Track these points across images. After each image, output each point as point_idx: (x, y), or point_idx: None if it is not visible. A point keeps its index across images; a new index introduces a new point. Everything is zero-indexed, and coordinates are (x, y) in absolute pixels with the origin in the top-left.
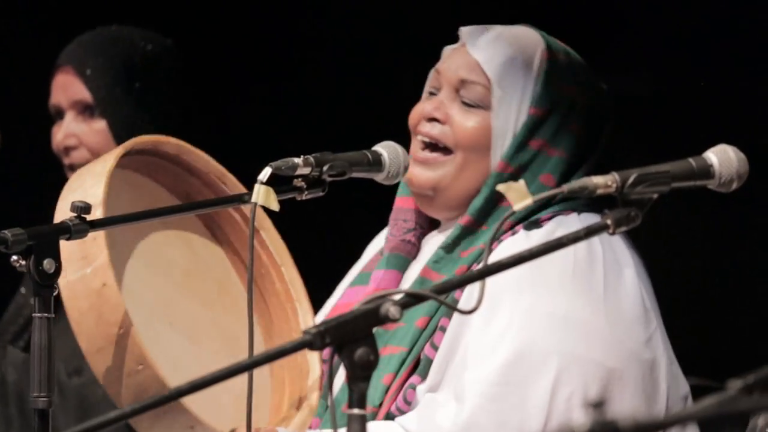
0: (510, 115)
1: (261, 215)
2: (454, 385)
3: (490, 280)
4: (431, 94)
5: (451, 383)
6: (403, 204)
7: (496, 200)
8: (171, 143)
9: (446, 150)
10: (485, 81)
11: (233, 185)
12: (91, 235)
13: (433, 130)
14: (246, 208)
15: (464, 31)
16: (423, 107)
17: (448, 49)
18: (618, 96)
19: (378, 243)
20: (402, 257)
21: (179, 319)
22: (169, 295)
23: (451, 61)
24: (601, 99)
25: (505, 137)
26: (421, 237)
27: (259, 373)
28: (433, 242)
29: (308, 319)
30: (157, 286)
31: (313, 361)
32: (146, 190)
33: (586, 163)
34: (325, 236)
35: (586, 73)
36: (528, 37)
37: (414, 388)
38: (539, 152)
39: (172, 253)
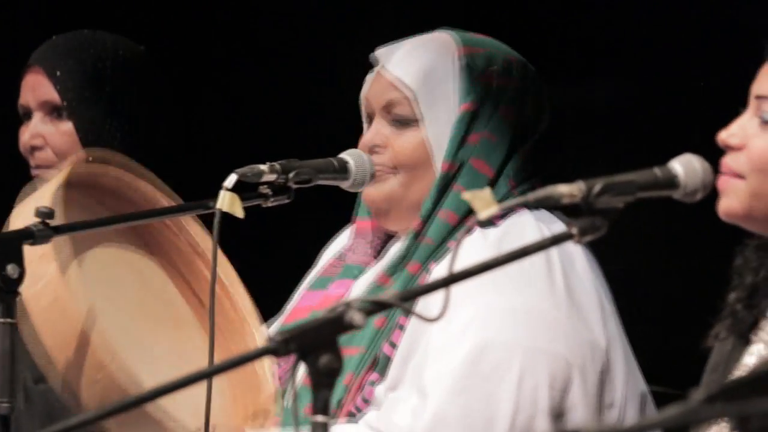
0: (441, 120)
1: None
2: (417, 381)
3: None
4: (370, 120)
5: (413, 380)
6: (362, 223)
7: (439, 201)
8: (109, 176)
9: (391, 168)
10: (410, 94)
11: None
12: (39, 249)
13: (377, 159)
14: (189, 225)
15: (378, 53)
16: (364, 139)
17: (369, 77)
18: (581, 103)
19: (335, 247)
20: (360, 267)
21: (133, 333)
22: (118, 309)
23: (374, 86)
24: (527, 78)
25: (443, 141)
26: (382, 248)
27: (216, 384)
28: (391, 251)
29: (257, 336)
30: (106, 301)
31: (266, 377)
32: (91, 211)
33: (524, 145)
34: (278, 242)
35: (507, 58)
36: (439, 41)
37: (373, 385)
38: (476, 144)
39: (118, 270)
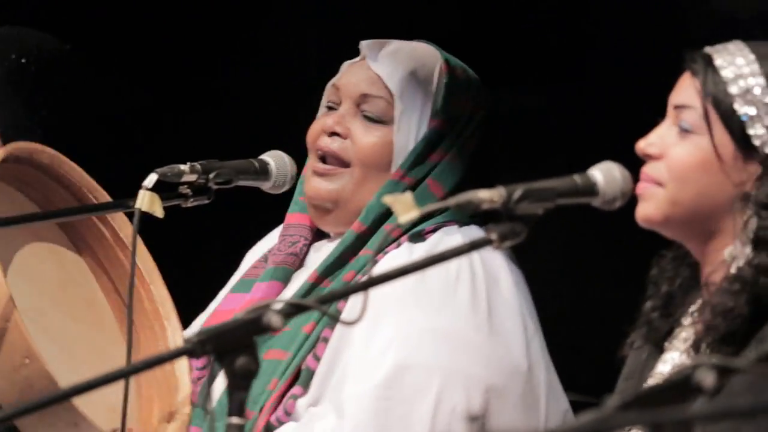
0: (411, 129)
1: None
2: (336, 399)
3: (374, 295)
4: (330, 108)
5: (332, 397)
6: (293, 220)
7: (389, 209)
8: (46, 153)
9: (343, 163)
10: (387, 95)
11: (104, 200)
12: None
13: (333, 144)
14: (114, 221)
15: (364, 45)
16: (324, 121)
17: (347, 64)
18: (505, 109)
19: (259, 250)
20: (285, 269)
21: (52, 330)
22: (41, 305)
23: (351, 76)
24: (491, 114)
25: (406, 151)
26: (306, 249)
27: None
28: (323, 251)
29: (177, 338)
30: (30, 296)
31: (182, 378)
32: (17, 204)
33: (475, 175)
34: (202, 244)
35: (480, 88)
36: (426, 52)
37: (295, 399)
38: (435, 162)
39: (42, 266)
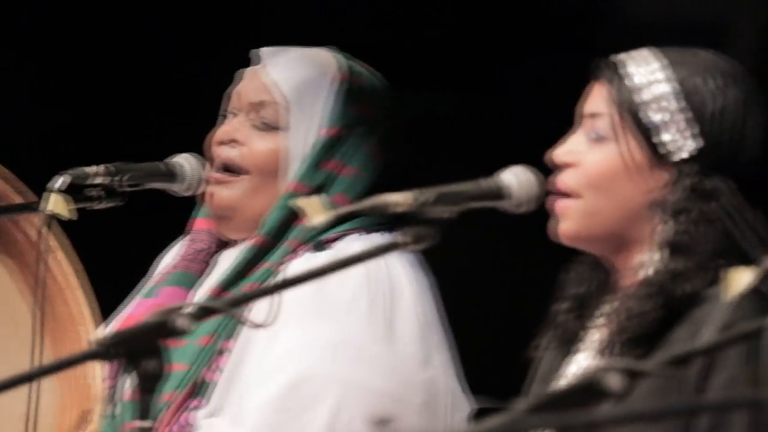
0: (304, 135)
1: (59, 233)
2: (234, 410)
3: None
4: (230, 115)
5: (231, 408)
6: (199, 226)
7: (288, 221)
8: None
9: (240, 170)
10: (283, 101)
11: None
12: None
13: (231, 152)
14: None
15: (262, 51)
16: (220, 129)
17: (246, 71)
18: (417, 113)
19: (170, 256)
20: (189, 275)
21: None
22: None
23: (248, 82)
24: (397, 119)
25: (298, 158)
26: (212, 256)
27: (46, 395)
28: (227, 260)
29: (89, 339)
30: None
31: (96, 382)
32: None
33: (382, 182)
34: (121, 250)
35: (383, 93)
36: (325, 59)
37: (195, 410)
38: (333, 173)
39: None
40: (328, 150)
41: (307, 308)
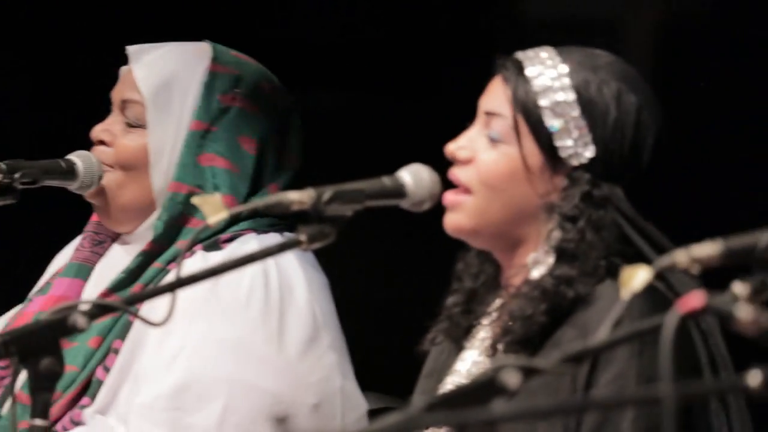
0: (169, 132)
1: None
2: (123, 409)
3: (165, 305)
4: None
5: (120, 406)
6: (96, 218)
7: (177, 223)
8: None
9: (109, 167)
10: (142, 100)
11: None
12: None
13: (102, 154)
14: None
15: (129, 49)
16: (93, 130)
17: (123, 69)
18: (312, 111)
19: (66, 253)
20: (87, 267)
21: None
22: None
23: (119, 82)
24: (276, 109)
25: (164, 154)
26: (108, 247)
27: None
28: (117, 255)
29: None
30: None
31: None
32: None
33: (266, 176)
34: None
35: (261, 84)
36: (193, 53)
37: (82, 409)
38: (211, 168)
39: None
40: (198, 144)
41: (200, 308)
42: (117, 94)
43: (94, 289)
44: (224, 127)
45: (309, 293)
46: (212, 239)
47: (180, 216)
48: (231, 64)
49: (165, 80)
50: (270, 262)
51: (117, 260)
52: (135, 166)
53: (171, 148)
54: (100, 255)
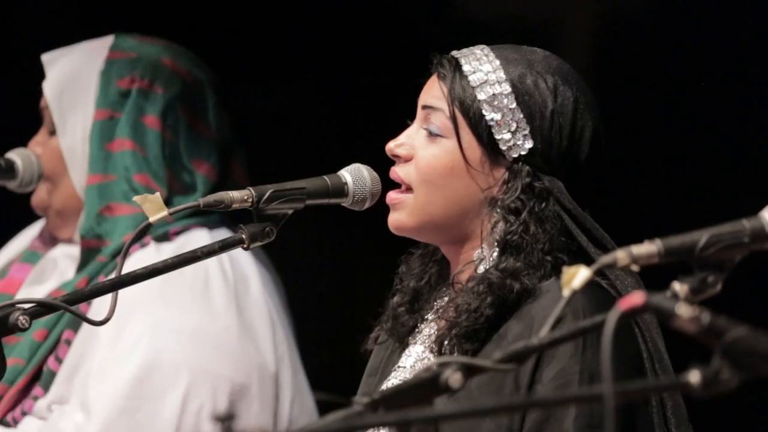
0: (77, 129)
1: None
2: (83, 398)
3: (122, 294)
4: None
5: (79, 396)
6: None
7: (101, 213)
8: None
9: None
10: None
11: None
12: None
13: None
14: None
15: (44, 58)
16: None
17: None
18: (253, 110)
19: (20, 240)
20: (36, 253)
21: None
22: None
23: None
24: (181, 82)
25: (77, 151)
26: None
27: None
28: (58, 254)
29: None
30: None
31: None
32: None
33: (183, 150)
34: None
35: (159, 62)
36: (98, 46)
37: (35, 399)
38: (122, 152)
39: None
40: (106, 134)
41: (156, 298)
42: (41, 103)
43: (35, 279)
44: (127, 111)
45: (262, 287)
46: (162, 232)
47: (101, 206)
48: (128, 49)
49: (68, 82)
50: (223, 254)
51: (61, 253)
52: (56, 172)
53: (82, 144)
54: (51, 247)
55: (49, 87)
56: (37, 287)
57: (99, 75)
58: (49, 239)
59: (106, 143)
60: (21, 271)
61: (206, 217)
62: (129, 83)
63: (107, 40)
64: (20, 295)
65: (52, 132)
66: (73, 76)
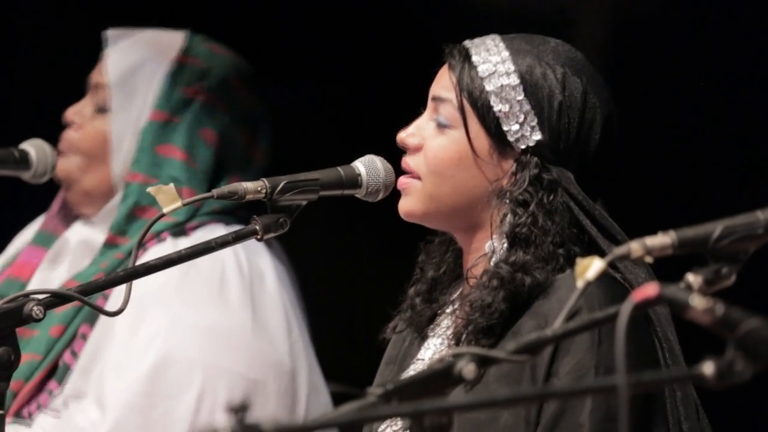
0: (130, 119)
1: None
2: (98, 393)
3: (138, 289)
4: None
5: (95, 391)
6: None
7: (135, 213)
8: None
9: (74, 150)
10: (109, 85)
11: None
12: None
13: (68, 132)
14: None
15: (107, 33)
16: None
17: (105, 52)
18: (267, 104)
19: (26, 235)
20: (54, 236)
21: None
22: None
23: (98, 64)
24: (243, 104)
25: (125, 142)
26: (69, 218)
27: None
28: (78, 234)
29: None
30: None
31: None
32: None
33: (229, 172)
34: None
35: (230, 78)
36: (166, 41)
37: (50, 393)
38: (170, 159)
39: None
40: (158, 135)
41: (173, 293)
42: (93, 76)
43: (49, 264)
44: (186, 119)
45: (278, 281)
46: (180, 226)
47: (135, 206)
48: (201, 56)
49: (132, 67)
50: (239, 249)
51: (77, 239)
52: (97, 152)
53: (131, 136)
54: (66, 227)
55: (112, 68)
56: (52, 273)
57: (165, 75)
58: (66, 216)
59: (156, 145)
60: (34, 254)
61: (224, 216)
62: (194, 93)
63: (179, 37)
64: (34, 281)
65: (100, 110)
66: (139, 66)
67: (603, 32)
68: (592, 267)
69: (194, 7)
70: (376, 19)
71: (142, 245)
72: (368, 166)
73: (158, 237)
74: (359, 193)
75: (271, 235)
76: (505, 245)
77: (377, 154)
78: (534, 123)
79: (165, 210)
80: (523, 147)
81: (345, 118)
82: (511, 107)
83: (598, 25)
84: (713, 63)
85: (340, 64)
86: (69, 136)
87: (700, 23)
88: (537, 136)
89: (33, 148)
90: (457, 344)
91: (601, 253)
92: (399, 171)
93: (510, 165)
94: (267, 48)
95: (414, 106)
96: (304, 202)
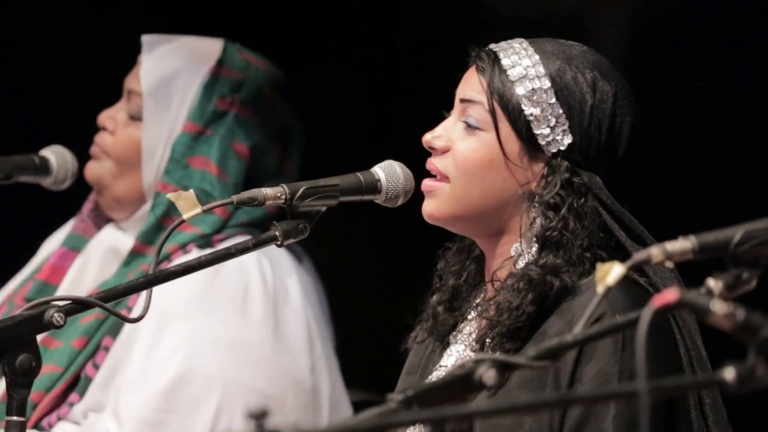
0: (164, 129)
1: None
2: (116, 407)
3: (161, 303)
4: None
5: (113, 404)
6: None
7: (163, 224)
8: None
9: (105, 154)
10: (142, 93)
11: None
12: None
13: (101, 136)
14: None
15: (144, 39)
16: (102, 113)
17: (140, 58)
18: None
19: (55, 240)
20: (84, 239)
21: None
22: None
23: (133, 70)
24: (277, 117)
25: (157, 151)
26: (100, 221)
27: None
28: (109, 238)
29: None
30: None
31: None
32: None
33: (260, 185)
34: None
35: (264, 91)
36: (203, 50)
37: (71, 405)
38: (202, 172)
39: None
40: (190, 146)
41: (195, 307)
42: (127, 82)
43: (79, 269)
44: (220, 133)
45: (303, 296)
46: (207, 238)
47: (164, 216)
48: (236, 68)
49: (167, 76)
50: (265, 263)
51: (106, 245)
52: (129, 159)
53: (164, 146)
54: (97, 230)
55: (146, 77)
56: (82, 278)
57: (200, 86)
58: (97, 218)
59: (189, 157)
60: (65, 258)
61: (251, 229)
62: (228, 105)
63: (215, 47)
64: (64, 286)
65: (133, 118)
66: (173, 77)
67: (618, 38)
68: (612, 272)
69: (224, 6)
70: (400, 20)
71: (167, 257)
72: (388, 172)
73: (184, 248)
74: (379, 199)
75: (291, 241)
76: (534, 248)
77: (398, 155)
78: (565, 126)
79: (185, 216)
80: (553, 151)
81: (366, 120)
82: (542, 111)
83: (611, 30)
84: (732, 67)
85: (362, 66)
86: (102, 140)
87: (722, 19)
88: (568, 139)
89: (53, 154)
90: (481, 348)
91: (628, 258)
92: (420, 171)
93: (540, 168)
94: (288, 47)
95: (436, 108)
96: (324, 208)
